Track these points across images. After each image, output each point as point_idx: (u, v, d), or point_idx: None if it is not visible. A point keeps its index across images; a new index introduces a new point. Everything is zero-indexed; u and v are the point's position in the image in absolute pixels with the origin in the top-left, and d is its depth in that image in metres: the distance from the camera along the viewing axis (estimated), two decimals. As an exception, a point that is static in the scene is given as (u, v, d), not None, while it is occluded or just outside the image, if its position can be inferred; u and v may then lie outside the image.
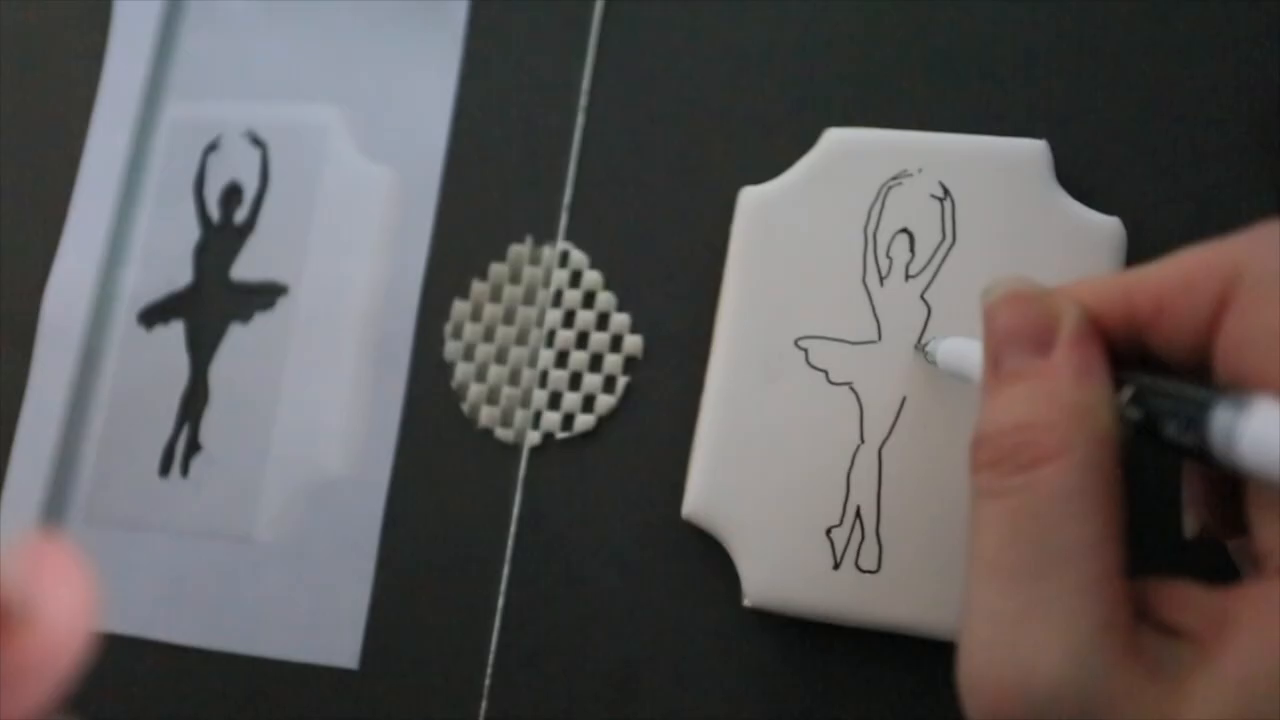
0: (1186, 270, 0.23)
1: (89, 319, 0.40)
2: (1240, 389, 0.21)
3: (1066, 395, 0.23)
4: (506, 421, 0.37)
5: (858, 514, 0.32)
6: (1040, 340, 0.24)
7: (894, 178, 0.34)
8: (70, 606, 0.16)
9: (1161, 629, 0.22)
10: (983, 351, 0.25)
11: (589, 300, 0.37)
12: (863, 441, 0.33)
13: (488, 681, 0.35)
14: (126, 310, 0.40)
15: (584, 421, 0.36)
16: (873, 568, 0.32)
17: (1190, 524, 0.26)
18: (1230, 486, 0.24)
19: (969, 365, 0.28)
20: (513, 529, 0.36)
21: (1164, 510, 0.28)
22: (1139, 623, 0.22)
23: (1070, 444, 0.22)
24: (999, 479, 0.23)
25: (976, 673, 0.22)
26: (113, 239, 0.41)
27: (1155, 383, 0.23)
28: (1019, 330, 0.24)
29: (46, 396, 0.40)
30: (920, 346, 0.32)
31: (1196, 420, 0.21)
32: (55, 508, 0.39)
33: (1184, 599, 0.22)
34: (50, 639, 0.16)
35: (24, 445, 0.40)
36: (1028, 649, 0.21)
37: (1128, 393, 0.23)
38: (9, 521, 0.39)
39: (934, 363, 0.31)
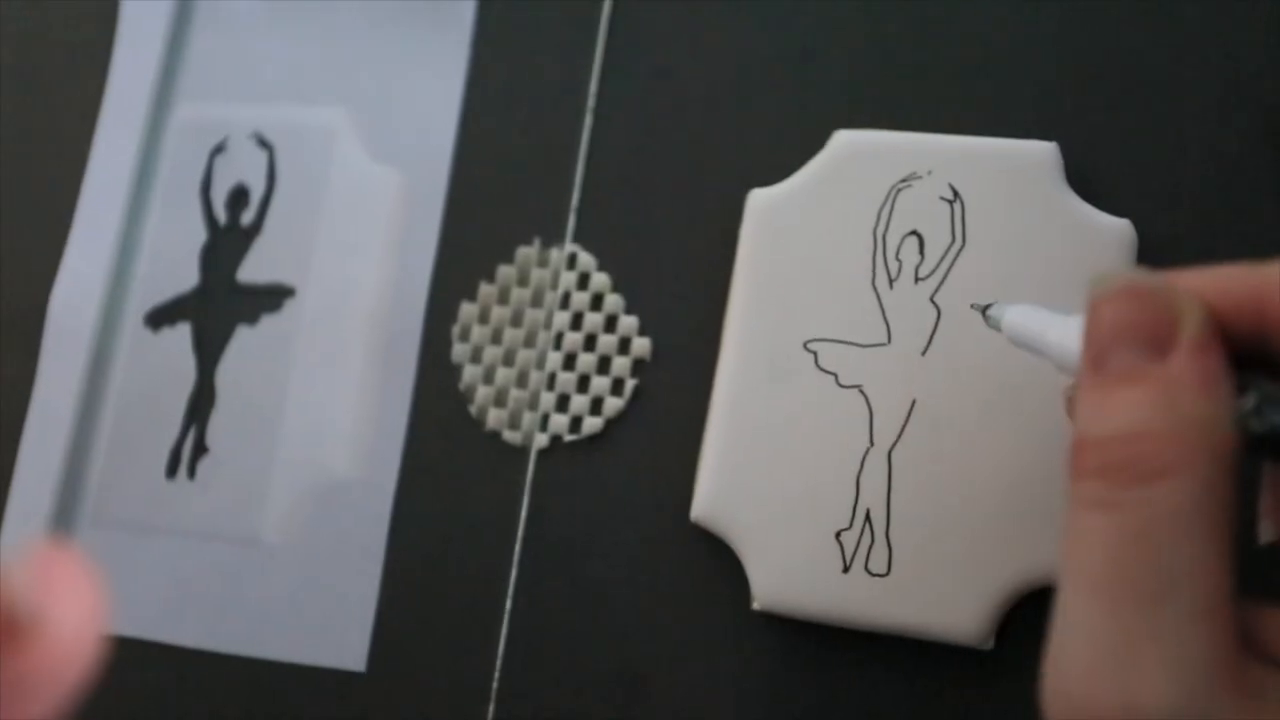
0: None
1: (95, 321, 0.40)
2: None
3: (1189, 406, 0.21)
4: (514, 424, 0.36)
5: (867, 517, 0.32)
6: (1159, 341, 0.22)
7: (903, 180, 0.34)
8: (79, 615, 0.16)
9: (1265, 658, 0.21)
10: (1083, 344, 0.23)
11: (597, 302, 0.37)
12: (872, 444, 0.33)
13: (495, 684, 0.35)
14: (133, 312, 0.40)
15: (592, 424, 0.36)
16: (882, 571, 0.32)
17: (1267, 530, 0.25)
18: None
19: (1049, 341, 0.26)
20: (520, 532, 0.36)
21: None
22: (1245, 653, 0.21)
23: (1189, 460, 0.21)
24: (1110, 490, 0.21)
25: (1073, 692, 0.21)
26: (119, 241, 0.41)
27: None
28: (1134, 328, 0.22)
29: (53, 398, 0.40)
30: (979, 307, 0.30)
31: None
32: (62, 510, 0.39)
33: None
34: (59, 648, 0.16)
35: (30, 447, 0.40)
36: (1135, 676, 0.20)
37: (1250, 401, 0.22)
38: (15, 524, 0.39)
39: (996, 328, 0.29)
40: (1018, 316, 0.28)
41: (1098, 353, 0.23)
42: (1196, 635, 0.20)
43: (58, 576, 0.16)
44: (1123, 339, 0.22)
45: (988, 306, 0.30)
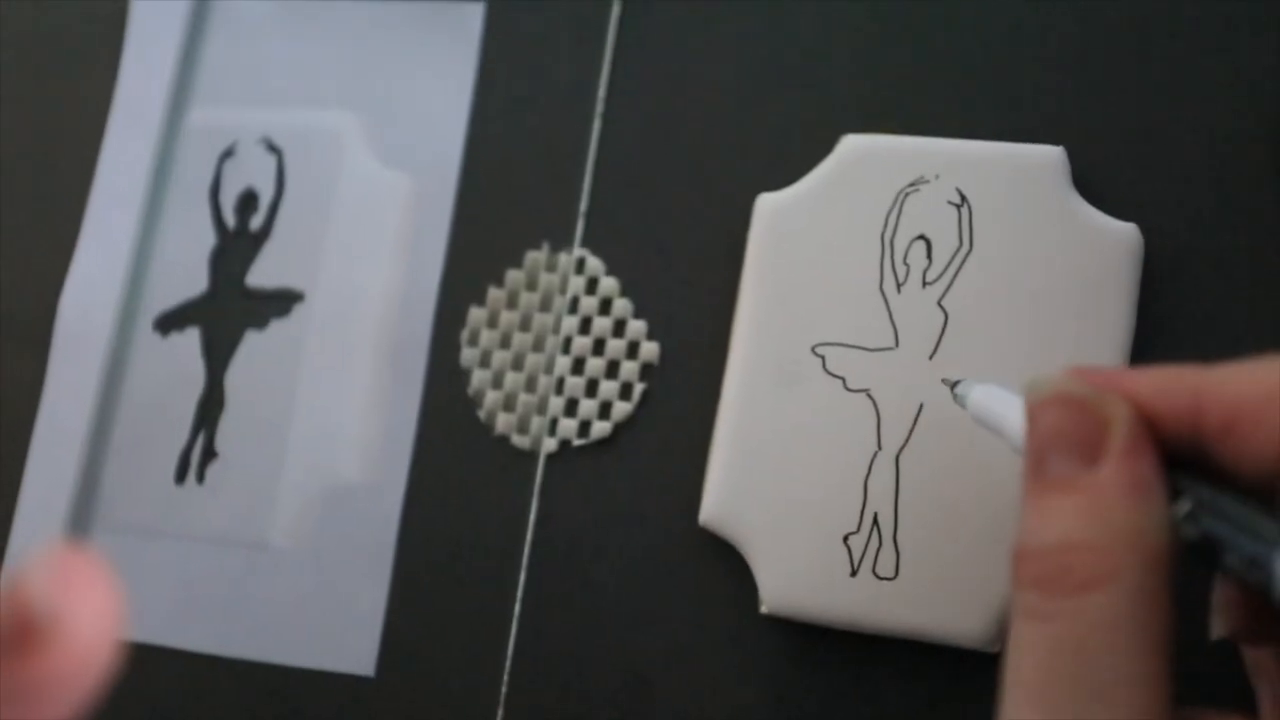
0: (1269, 385, 0.22)
1: (104, 326, 0.40)
2: None
3: (1117, 515, 0.21)
4: (523, 429, 0.37)
5: (875, 521, 0.32)
6: (1088, 448, 0.22)
7: (911, 184, 0.34)
8: (96, 618, 0.16)
9: None
10: (1025, 449, 0.24)
11: (605, 307, 0.37)
12: (880, 448, 0.33)
13: (504, 688, 0.35)
14: (142, 317, 0.40)
15: (600, 429, 0.36)
16: (890, 575, 0.32)
17: (1219, 626, 0.25)
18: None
19: (1005, 425, 0.27)
20: (529, 536, 0.36)
21: (1190, 606, 0.28)
22: None
23: (1119, 569, 0.21)
24: (1044, 600, 0.21)
25: None
26: (129, 246, 0.41)
27: (1216, 500, 0.21)
28: (1065, 435, 0.23)
29: (62, 403, 0.40)
30: (949, 384, 0.31)
31: (1261, 558, 0.20)
32: (71, 515, 0.39)
33: None
34: (77, 651, 0.16)
35: (39, 452, 0.40)
36: None
37: (1184, 506, 0.22)
38: (25, 529, 0.39)
39: (963, 406, 0.30)
40: (983, 396, 0.28)
41: (1037, 460, 0.23)
42: None
43: (75, 579, 0.16)
44: (1056, 446, 0.23)
45: (956, 384, 0.30)
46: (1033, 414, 0.24)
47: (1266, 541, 0.20)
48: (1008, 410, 0.27)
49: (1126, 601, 0.21)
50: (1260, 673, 0.25)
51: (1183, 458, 0.23)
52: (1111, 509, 0.22)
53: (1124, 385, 0.23)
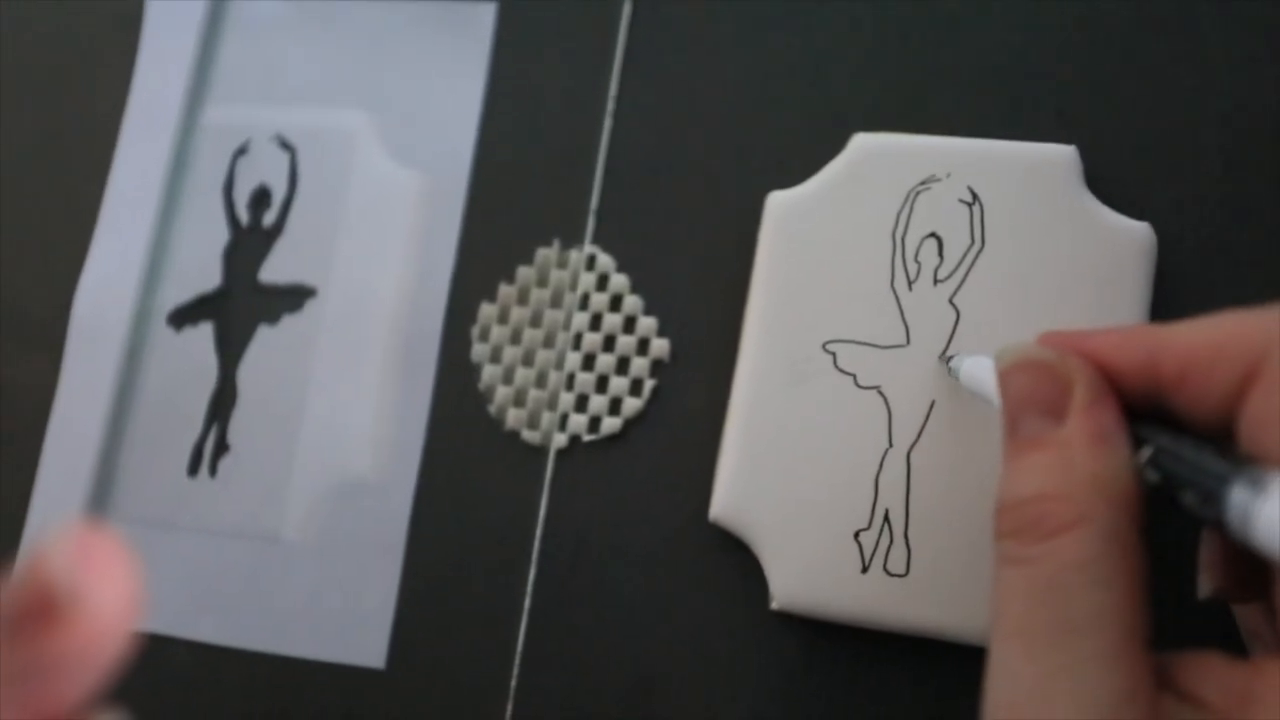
0: (1217, 337, 0.23)
1: (119, 322, 0.41)
2: (1260, 467, 0.21)
3: (1082, 464, 0.23)
4: (533, 424, 0.37)
5: (886, 517, 0.32)
6: (1054, 406, 0.24)
7: (922, 183, 0.34)
8: (115, 595, 0.16)
9: (1184, 698, 0.22)
10: (1002, 413, 0.25)
11: (616, 303, 0.37)
12: (891, 445, 0.33)
13: (514, 682, 0.35)
14: (156, 313, 0.40)
15: (611, 424, 0.36)
16: (901, 571, 0.32)
17: (1205, 585, 0.26)
18: (1251, 551, 0.24)
19: (992, 391, 0.28)
20: (539, 531, 0.36)
21: (1178, 568, 0.28)
22: (1161, 692, 0.22)
23: (1087, 513, 0.22)
24: (1020, 548, 0.23)
25: None
26: (143, 242, 0.41)
27: (1175, 445, 0.23)
28: (1032, 396, 0.25)
29: (76, 398, 0.40)
30: (944, 359, 0.32)
31: (1214, 493, 0.22)
32: (85, 508, 0.39)
33: (1207, 670, 0.22)
34: (96, 627, 0.16)
35: (54, 446, 0.40)
36: (1048, 711, 0.21)
37: (1146, 453, 0.23)
38: (40, 522, 0.40)
39: (956, 378, 0.31)
40: (974, 367, 0.30)
41: (1011, 421, 0.25)
42: (1106, 675, 0.21)
43: (94, 556, 0.16)
44: (1026, 408, 0.25)
45: (950, 358, 0.32)
46: (1003, 380, 0.25)
47: (1219, 478, 0.22)
48: (991, 377, 0.28)
49: (1097, 541, 0.22)
50: (1252, 633, 0.26)
51: (1143, 410, 0.24)
52: (1078, 459, 0.23)
53: (1085, 345, 0.25)
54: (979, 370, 0.29)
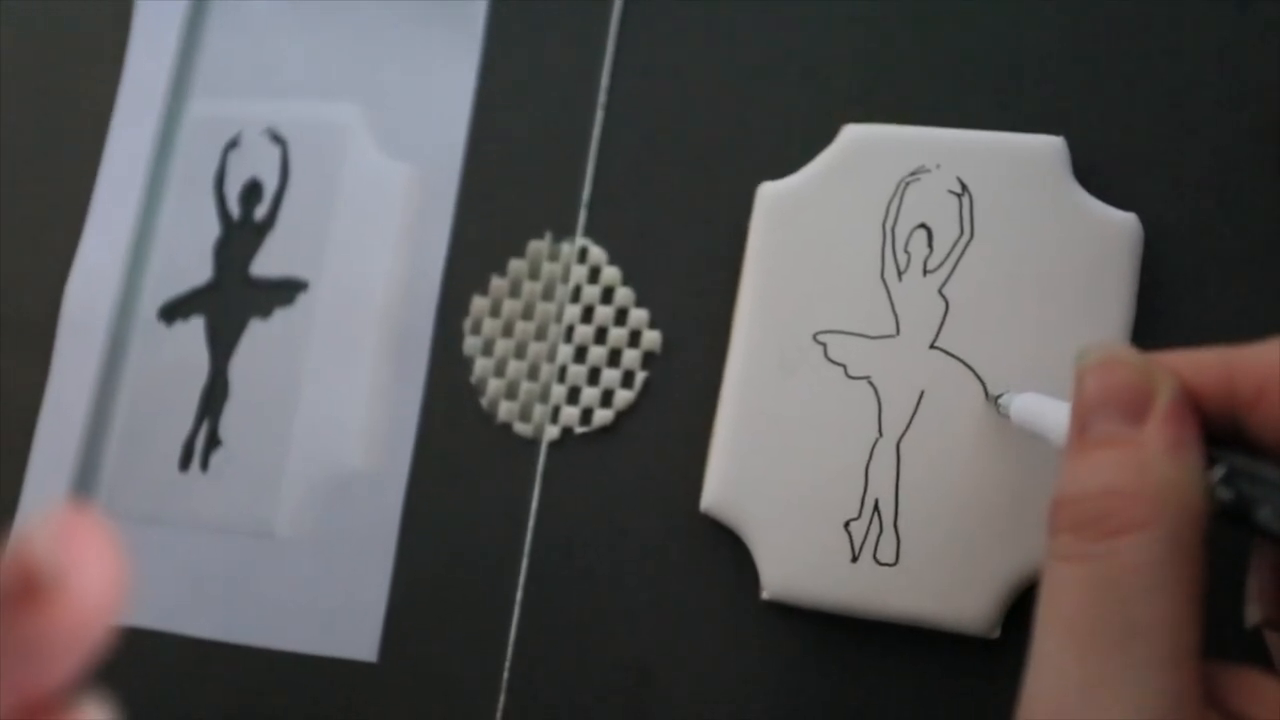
0: None
1: (110, 315, 0.41)
2: None
3: (1157, 467, 0.23)
4: (525, 416, 0.37)
5: (876, 507, 0.32)
6: (1134, 409, 0.23)
7: (912, 173, 0.34)
8: (100, 576, 0.16)
9: (1229, 715, 0.22)
10: (1070, 413, 0.25)
11: (608, 296, 0.37)
12: (881, 435, 0.33)
13: (506, 674, 0.35)
14: (147, 306, 0.40)
15: (602, 416, 0.36)
16: (890, 560, 0.32)
17: (1253, 613, 0.26)
18: None
19: (1048, 424, 0.28)
20: (531, 523, 0.36)
21: (1224, 593, 0.28)
22: (1208, 707, 0.21)
23: (1157, 516, 0.22)
24: (1081, 543, 0.22)
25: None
26: (134, 236, 0.41)
27: (1250, 464, 0.23)
28: (1113, 396, 0.24)
29: (67, 392, 0.40)
30: (992, 398, 0.32)
31: None
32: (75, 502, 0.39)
33: (1254, 688, 0.22)
34: (80, 609, 0.16)
35: (44, 440, 0.40)
36: (1098, 713, 0.21)
37: (1219, 471, 0.23)
38: (30, 515, 0.40)
39: (1006, 415, 0.31)
40: (1026, 404, 0.29)
41: (1081, 421, 0.24)
42: (1157, 683, 0.21)
43: (79, 537, 0.16)
44: (1103, 407, 0.24)
45: (999, 396, 0.31)
46: (1081, 377, 0.25)
47: None
48: (1051, 412, 0.28)
49: (1162, 547, 0.22)
50: None
51: (1218, 434, 0.24)
52: (1153, 461, 0.23)
53: (1165, 362, 0.24)
54: (1034, 404, 0.29)
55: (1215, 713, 0.21)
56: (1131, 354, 0.25)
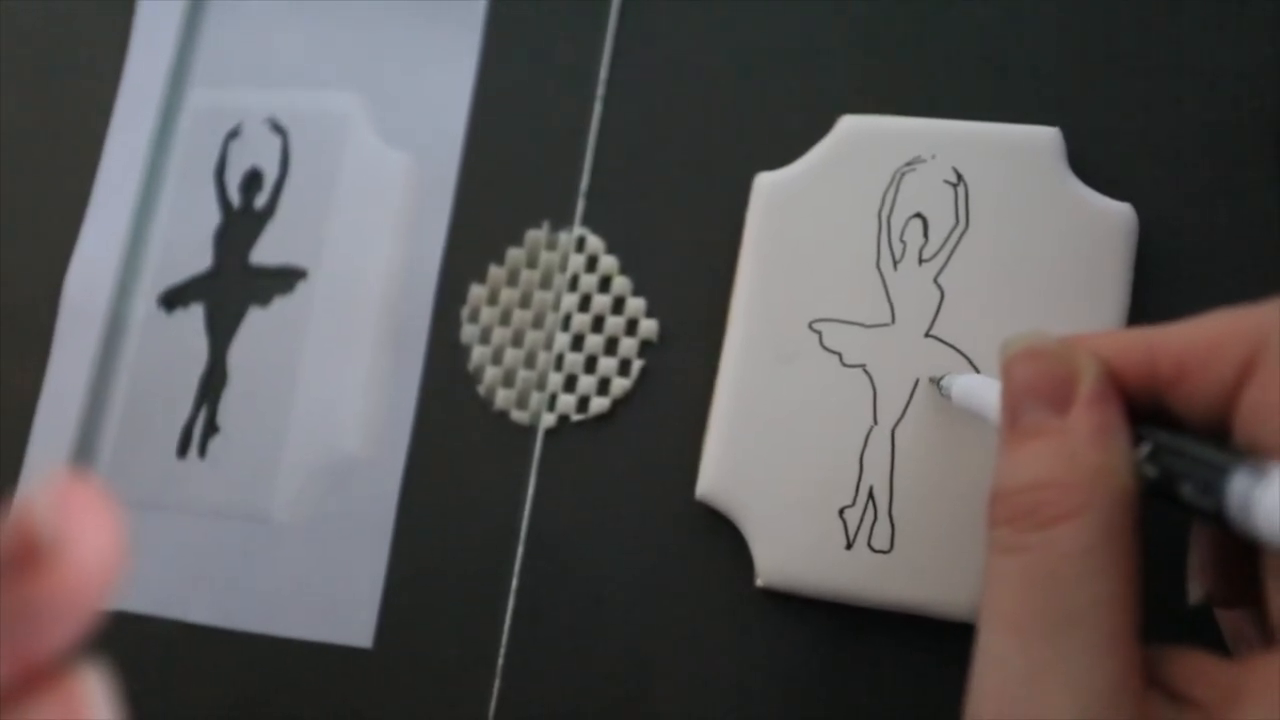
0: (1212, 334, 0.23)
1: (110, 302, 0.41)
2: (1260, 456, 0.21)
3: (1084, 455, 0.23)
4: (522, 404, 0.37)
5: (870, 494, 0.33)
6: (1058, 397, 0.24)
7: (908, 163, 0.34)
8: (100, 543, 0.16)
9: (1171, 696, 0.22)
10: (1001, 403, 0.25)
11: (605, 284, 0.37)
12: (876, 423, 0.33)
13: (501, 661, 0.35)
14: (147, 294, 0.41)
15: (599, 404, 0.36)
16: (885, 548, 0.32)
17: (1195, 590, 0.26)
18: (1241, 554, 0.24)
19: (985, 406, 0.28)
20: (527, 510, 0.36)
21: (1166, 573, 0.28)
22: (1149, 688, 0.22)
23: (1087, 504, 0.22)
24: (1015, 535, 0.23)
25: (982, 715, 0.22)
26: (134, 224, 0.41)
27: (1173, 441, 0.23)
28: (1037, 386, 0.24)
29: (66, 378, 0.40)
30: (934, 381, 0.32)
31: (1213, 484, 0.22)
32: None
33: (1195, 668, 0.22)
34: (79, 575, 0.16)
35: (43, 426, 0.40)
36: (1041, 701, 0.21)
37: (1145, 449, 0.23)
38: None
39: (948, 398, 0.31)
40: (965, 385, 0.30)
41: (1011, 411, 0.25)
42: (1097, 667, 0.21)
43: (79, 503, 0.16)
44: (1029, 397, 0.24)
45: (940, 379, 0.32)
46: (1007, 368, 0.25)
47: (1218, 469, 0.22)
48: (987, 394, 0.28)
49: (1094, 533, 0.22)
50: (1238, 639, 0.26)
51: (1142, 411, 0.24)
52: (1080, 450, 0.23)
53: (1089, 344, 0.25)
54: (972, 387, 0.30)
55: (1157, 694, 0.22)
56: (1052, 342, 0.25)
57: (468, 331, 0.38)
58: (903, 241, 0.34)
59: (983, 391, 0.29)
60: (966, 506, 0.32)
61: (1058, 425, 0.24)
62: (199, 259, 0.40)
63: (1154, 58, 0.34)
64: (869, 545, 0.32)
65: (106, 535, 0.16)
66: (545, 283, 0.38)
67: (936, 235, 0.34)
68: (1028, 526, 0.23)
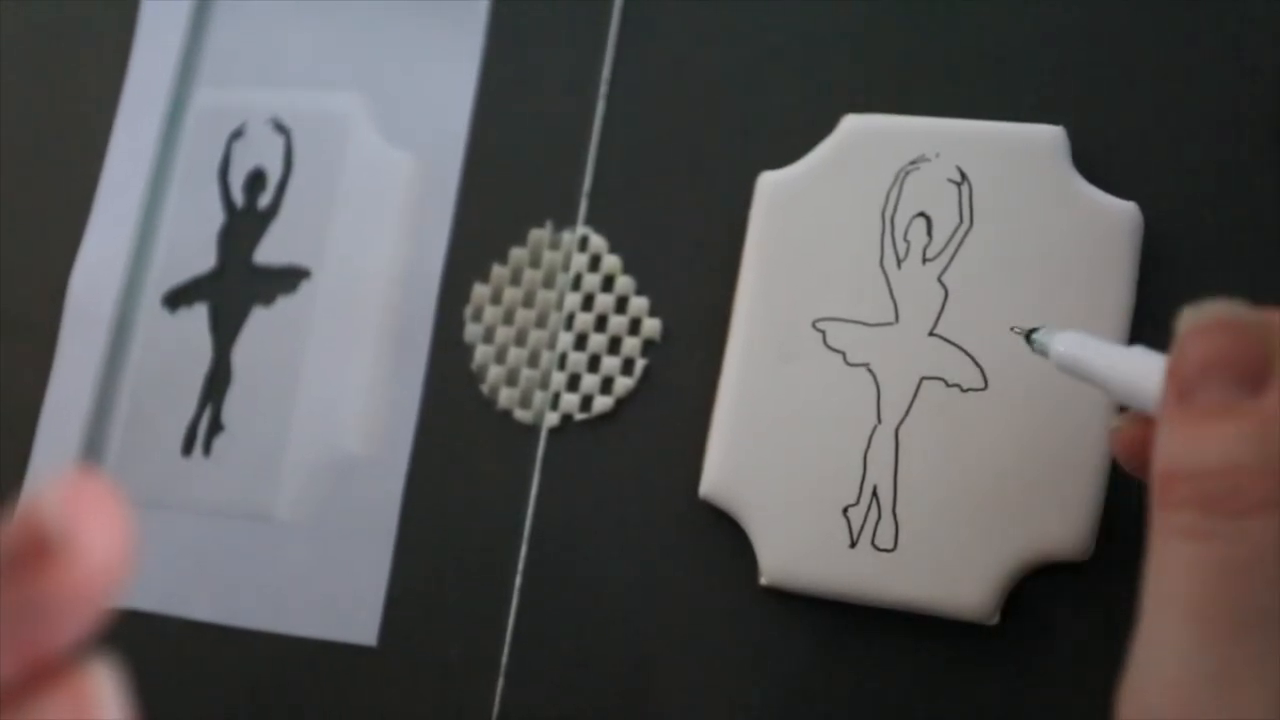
0: None
1: (115, 302, 0.41)
2: None
3: None
4: (525, 403, 0.37)
5: (874, 493, 0.33)
6: (1253, 376, 0.22)
7: (911, 162, 0.34)
8: (108, 539, 0.16)
9: None
10: (1166, 376, 0.23)
11: (608, 284, 0.37)
12: (879, 422, 0.33)
13: (504, 659, 0.35)
14: (151, 293, 0.41)
15: (602, 403, 0.36)
16: (889, 546, 0.32)
17: None
18: None
19: (1111, 372, 0.26)
20: (530, 509, 0.36)
21: None
22: None
23: None
24: (1205, 520, 0.21)
25: (1156, 709, 0.21)
26: (138, 224, 0.41)
27: None
28: (1228, 362, 0.22)
29: (72, 377, 0.41)
30: (1021, 332, 0.31)
31: None
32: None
33: None
34: (88, 571, 0.16)
35: (49, 425, 0.40)
36: (1235, 701, 0.20)
37: None
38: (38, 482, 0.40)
39: (1043, 353, 0.29)
40: (1071, 347, 0.28)
41: (1184, 386, 0.22)
42: None
43: (87, 500, 0.16)
44: (1213, 373, 0.22)
45: (1032, 331, 0.30)
46: (1185, 340, 0.23)
47: None
48: (1104, 356, 0.26)
49: None
50: None
51: None
52: (1278, 435, 0.21)
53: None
54: (1091, 347, 0.27)
55: None
56: (1244, 314, 0.22)
57: (471, 330, 0.38)
58: (906, 240, 0.34)
59: (1109, 356, 0.26)
60: (970, 506, 0.32)
61: (1252, 406, 0.21)
62: (203, 259, 0.40)
63: (1159, 56, 0.34)
64: (873, 544, 0.32)
65: (115, 532, 0.16)
66: (548, 282, 0.38)
67: (940, 234, 0.34)
68: (1218, 513, 0.21)
